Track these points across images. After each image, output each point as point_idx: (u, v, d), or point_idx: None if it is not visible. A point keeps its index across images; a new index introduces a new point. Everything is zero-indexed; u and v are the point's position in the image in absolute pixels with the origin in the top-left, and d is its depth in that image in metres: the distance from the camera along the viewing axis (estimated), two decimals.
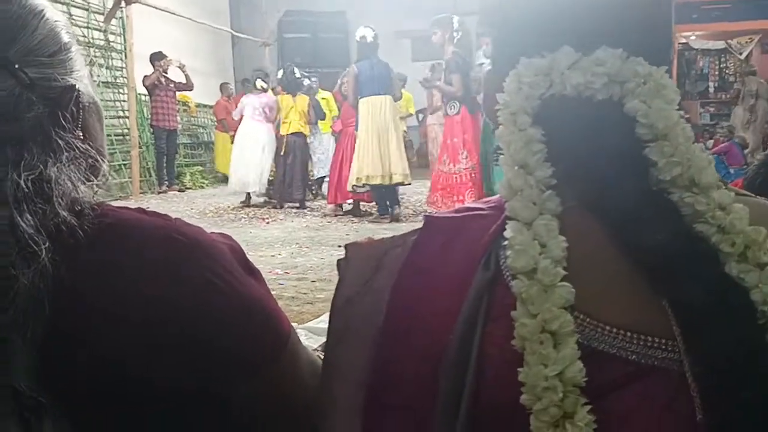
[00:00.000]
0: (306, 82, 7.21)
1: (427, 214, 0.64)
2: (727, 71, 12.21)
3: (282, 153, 6.85)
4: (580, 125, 0.53)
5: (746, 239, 0.49)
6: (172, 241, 0.58)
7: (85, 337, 0.53)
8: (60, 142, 0.57)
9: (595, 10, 0.55)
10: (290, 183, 6.89)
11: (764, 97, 10.77)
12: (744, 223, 0.50)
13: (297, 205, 6.93)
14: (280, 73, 7.14)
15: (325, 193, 6.96)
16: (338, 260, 0.65)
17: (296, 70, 7.02)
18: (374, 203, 6.29)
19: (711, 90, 12.44)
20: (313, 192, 7.33)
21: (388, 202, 6.06)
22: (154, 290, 0.56)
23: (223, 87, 10.03)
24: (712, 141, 9.69)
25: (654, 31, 0.57)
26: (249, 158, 7.17)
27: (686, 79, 12.47)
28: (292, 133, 6.87)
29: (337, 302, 0.63)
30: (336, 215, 6.41)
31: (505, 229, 0.53)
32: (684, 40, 12.05)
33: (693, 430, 0.46)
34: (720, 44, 12.20)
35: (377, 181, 5.83)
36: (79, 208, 0.56)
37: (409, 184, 6.15)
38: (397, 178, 5.86)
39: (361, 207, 6.47)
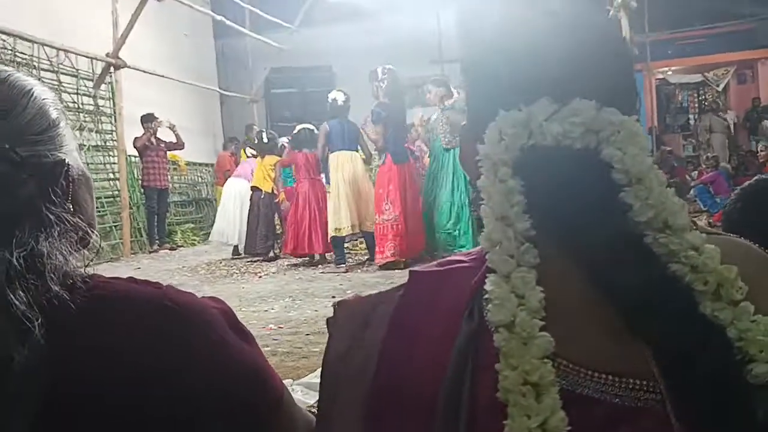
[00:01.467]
0: (280, 141, 7.60)
1: (411, 268, 0.65)
2: (705, 103, 12.50)
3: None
4: (558, 173, 0.55)
5: (718, 277, 0.51)
6: (165, 310, 0.59)
7: (82, 411, 0.53)
8: (51, 216, 0.58)
9: (568, 64, 0.57)
10: (252, 237, 7.14)
11: (719, 130, 11.11)
12: (716, 262, 0.51)
13: (260, 258, 7.09)
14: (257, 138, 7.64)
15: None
16: (327, 319, 0.66)
17: (264, 135, 7.50)
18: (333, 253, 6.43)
19: (691, 122, 12.70)
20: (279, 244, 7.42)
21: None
22: (150, 361, 0.56)
23: (228, 142, 10.24)
24: (696, 172, 9.83)
25: (621, 83, 0.60)
26: (230, 213, 7.55)
27: (666, 113, 12.75)
28: (253, 188, 7.23)
29: (328, 359, 0.64)
30: (305, 266, 6.54)
31: (486, 281, 0.54)
32: (661, 76, 12.36)
33: None
34: (697, 77, 12.53)
35: (349, 231, 6.06)
36: (71, 281, 0.57)
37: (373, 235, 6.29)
38: (367, 226, 6.09)
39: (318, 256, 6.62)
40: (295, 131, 6.94)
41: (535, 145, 0.55)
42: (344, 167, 6.09)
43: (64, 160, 0.62)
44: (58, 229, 0.58)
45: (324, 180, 6.46)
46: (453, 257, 0.66)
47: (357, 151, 6.26)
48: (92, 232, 0.64)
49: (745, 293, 0.50)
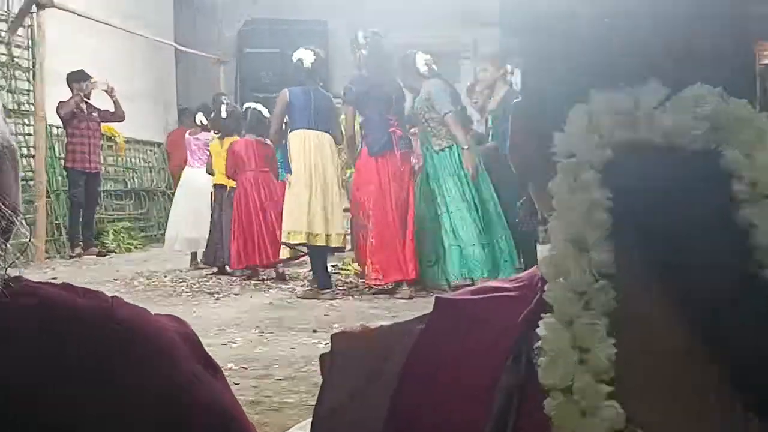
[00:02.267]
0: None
1: (438, 294, 0.66)
2: None
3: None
4: (661, 182, 0.53)
5: None
6: (110, 334, 0.59)
7: None
8: None
9: (687, 36, 0.55)
10: (214, 243, 7.24)
11: None
12: None
13: (215, 270, 7.28)
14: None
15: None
16: (321, 355, 0.66)
17: (223, 108, 7.28)
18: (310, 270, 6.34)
19: None
20: None
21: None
22: (86, 398, 0.57)
23: (182, 115, 10.19)
24: None
25: (745, 65, 0.58)
26: (189, 211, 7.61)
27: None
28: (216, 185, 7.23)
29: (319, 414, 0.64)
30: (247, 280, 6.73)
31: (537, 319, 0.54)
32: (767, 61, 12.39)
33: None
34: None
35: (321, 242, 5.89)
36: None
37: (343, 249, 6.32)
38: (334, 240, 5.97)
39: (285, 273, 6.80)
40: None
41: (635, 141, 0.54)
42: (310, 152, 5.88)
43: None
44: None
45: (281, 168, 6.42)
46: (493, 283, 0.66)
47: (328, 132, 6.03)
48: (18, 221, 0.65)
49: None
